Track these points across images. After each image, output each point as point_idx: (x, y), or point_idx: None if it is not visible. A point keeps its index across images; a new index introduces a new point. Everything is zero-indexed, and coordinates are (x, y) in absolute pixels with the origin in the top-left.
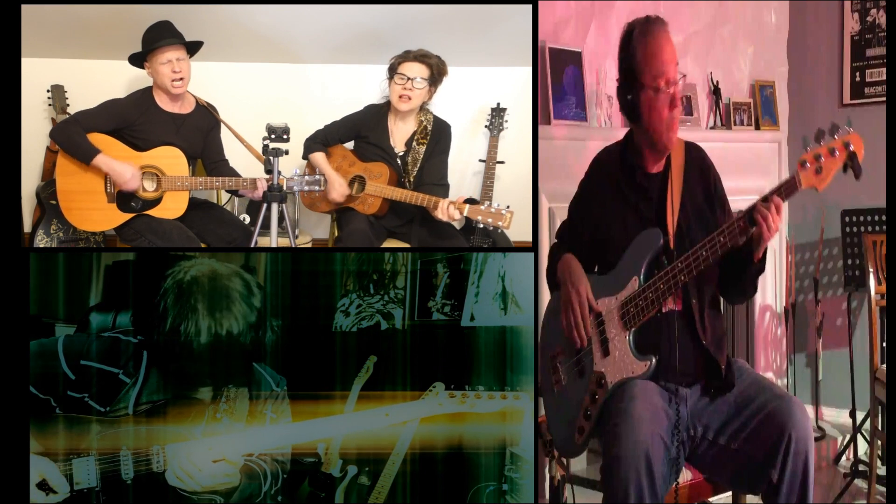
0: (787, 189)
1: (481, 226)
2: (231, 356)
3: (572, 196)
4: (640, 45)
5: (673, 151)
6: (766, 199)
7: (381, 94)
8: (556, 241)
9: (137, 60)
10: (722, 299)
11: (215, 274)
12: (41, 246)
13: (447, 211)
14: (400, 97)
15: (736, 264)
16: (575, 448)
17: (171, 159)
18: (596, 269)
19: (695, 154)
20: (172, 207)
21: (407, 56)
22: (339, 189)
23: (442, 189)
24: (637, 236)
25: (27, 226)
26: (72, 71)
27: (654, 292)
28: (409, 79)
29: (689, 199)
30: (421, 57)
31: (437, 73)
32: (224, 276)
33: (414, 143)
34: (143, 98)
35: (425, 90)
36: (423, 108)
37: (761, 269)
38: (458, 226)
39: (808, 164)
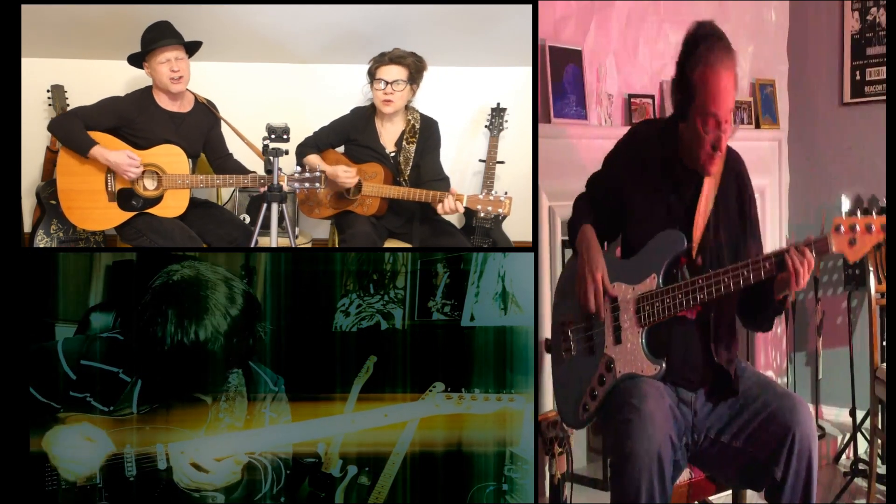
0: (818, 247)
1: (482, 214)
2: (198, 363)
3: (574, 194)
4: (701, 65)
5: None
6: (799, 250)
7: (363, 97)
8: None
9: (136, 61)
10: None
11: (196, 280)
12: (41, 246)
13: (451, 205)
14: (383, 101)
15: (756, 298)
16: (577, 422)
17: (171, 157)
18: (615, 248)
19: (735, 163)
20: (173, 206)
21: (382, 60)
22: (344, 175)
23: (443, 184)
24: (661, 233)
25: (27, 226)
26: (72, 71)
27: (671, 299)
28: (387, 83)
29: (721, 207)
30: (397, 59)
31: (415, 71)
32: (205, 282)
33: (404, 143)
34: (142, 97)
35: (406, 90)
36: (408, 107)
37: (780, 311)
38: (457, 222)
39: (843, 231)
